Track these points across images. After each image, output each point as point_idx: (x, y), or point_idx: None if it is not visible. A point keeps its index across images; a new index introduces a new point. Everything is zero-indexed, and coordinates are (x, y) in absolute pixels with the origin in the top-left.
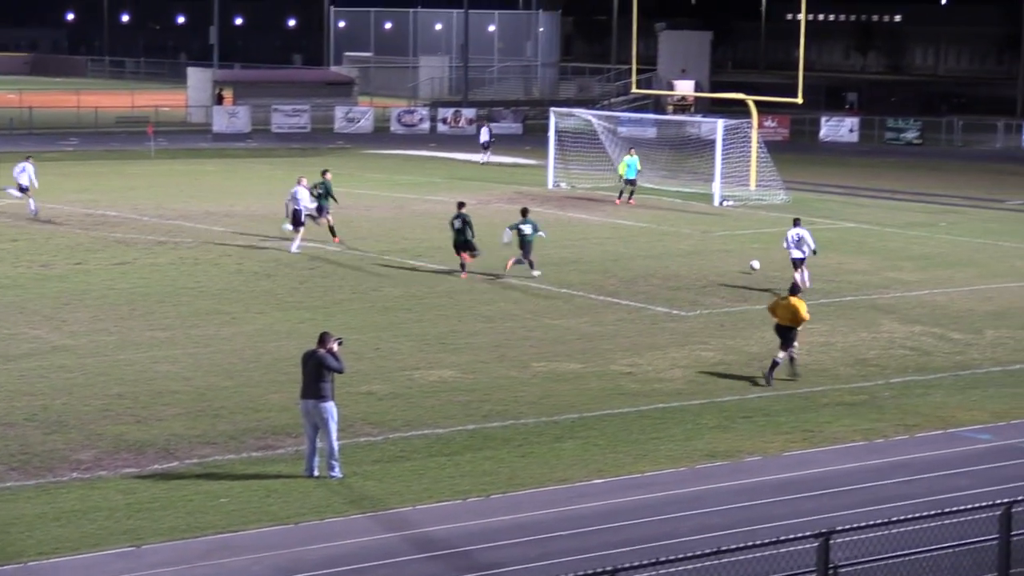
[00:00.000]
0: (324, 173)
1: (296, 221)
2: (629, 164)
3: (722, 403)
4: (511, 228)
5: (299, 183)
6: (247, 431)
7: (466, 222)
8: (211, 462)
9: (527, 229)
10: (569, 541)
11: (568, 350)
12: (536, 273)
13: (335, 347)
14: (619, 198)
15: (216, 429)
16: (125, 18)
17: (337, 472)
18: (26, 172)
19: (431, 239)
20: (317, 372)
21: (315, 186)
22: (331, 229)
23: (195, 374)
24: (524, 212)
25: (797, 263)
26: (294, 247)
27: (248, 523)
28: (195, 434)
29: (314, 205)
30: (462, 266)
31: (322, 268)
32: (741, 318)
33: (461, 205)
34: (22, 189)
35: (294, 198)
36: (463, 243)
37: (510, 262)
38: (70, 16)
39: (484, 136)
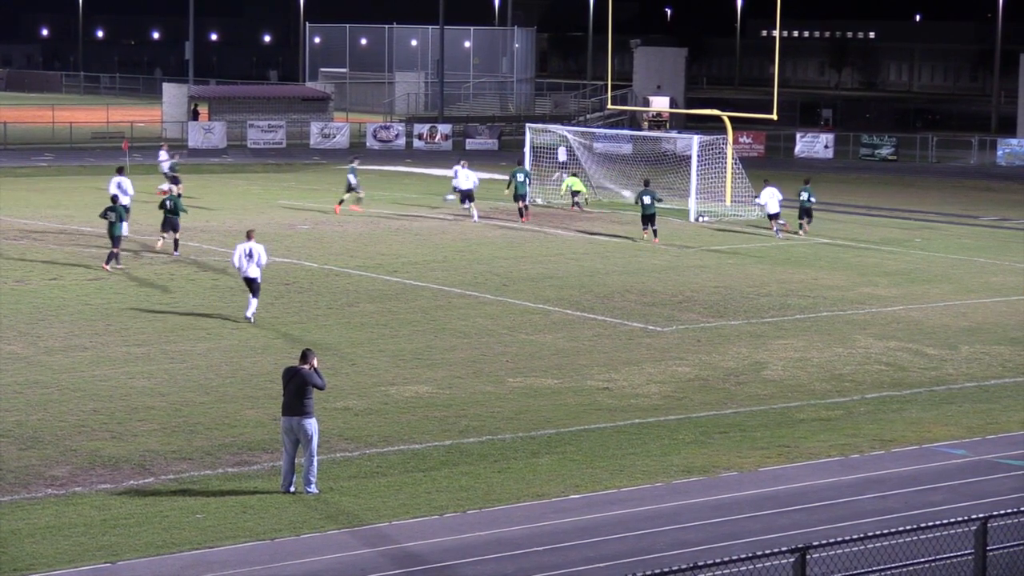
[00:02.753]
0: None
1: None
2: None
3: (698, 419)
4: (635, 197)
5: (461, 165)
6: (223, 447)
7: (654, 198)
8: (187, 478)
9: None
10: (545, 556)
11: (544, 365)
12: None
13: (316, 363)
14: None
15: (192, 445)
16: (100, 34)
17: (314, 488)
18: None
19: (407, 255)
20: (302, 389)
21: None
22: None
23: (171, 390)
24: (647, 183)
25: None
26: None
27: (224, 539)
28: (171, 450)
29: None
30: (654, 232)
31: (298, 284)
32: (717, 333)
33: (647, 183)
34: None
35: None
36: (651, 216)
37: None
38: (44, 31)
39: (562, 156)
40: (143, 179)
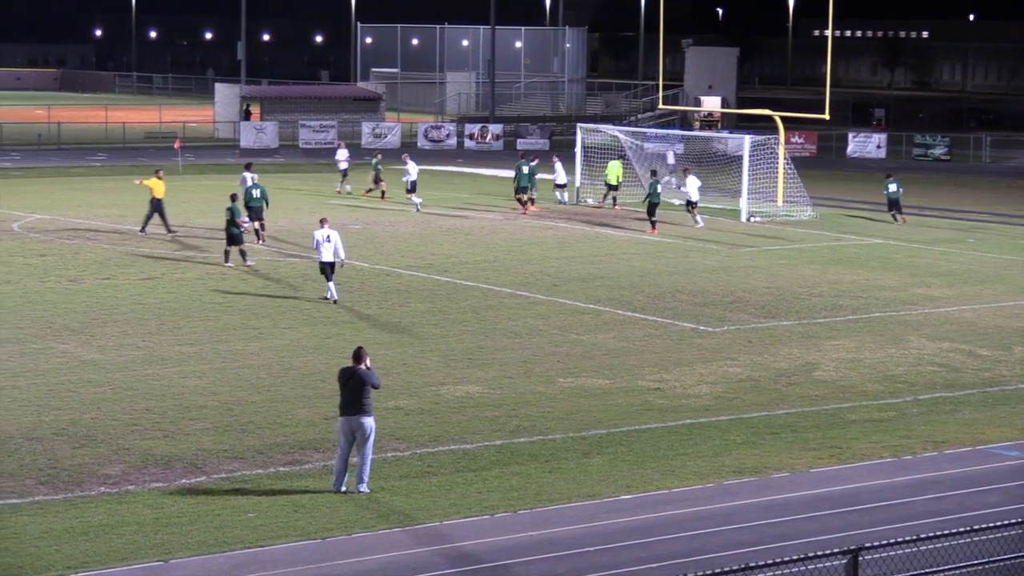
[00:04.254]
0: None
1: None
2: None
3: (750, 419)
4: (650, 187)
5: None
6: (275, 446)
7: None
8: (239, 477)
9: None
10: (597, 557)
11: (595, 366)
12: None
13: (368, 362)
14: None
15: (244, 444)
16: (153, 34)
17: (365, 488)
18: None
19: (457, 255)
20: (361, 389)
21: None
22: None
23: (223, 389)
24: (653, 172)
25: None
26: None
27: (276, 538)
28: (223, 449)
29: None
30: (652, 224)
31: (349, 284)
32: (769, 334)
33: (654, 173)
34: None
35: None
36: (655, 206)
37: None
38: (98, 32)
39: (671, 159)
40: (195, 179)
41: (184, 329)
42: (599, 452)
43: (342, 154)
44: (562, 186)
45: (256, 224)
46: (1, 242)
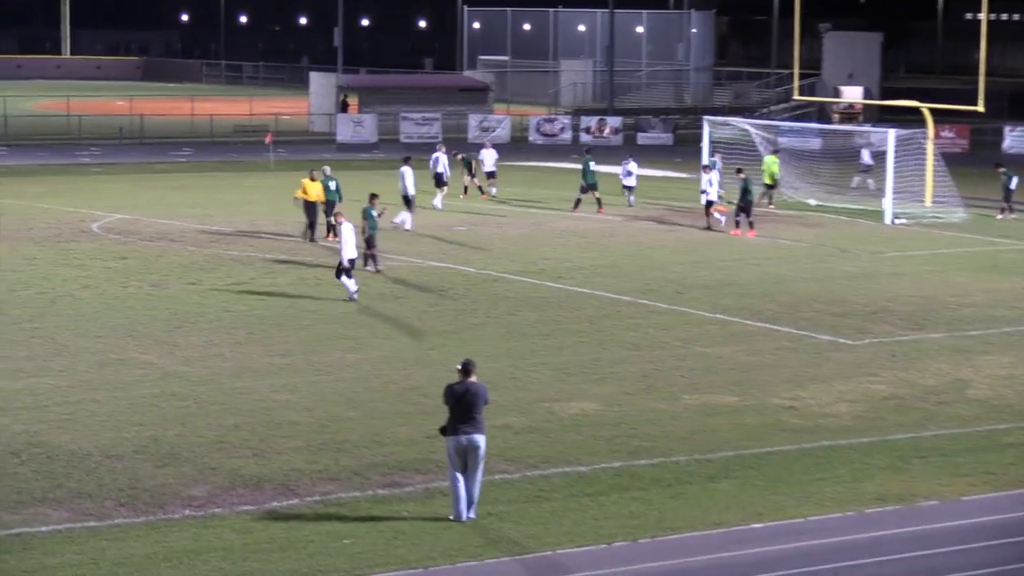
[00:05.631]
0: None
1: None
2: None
3: (894, 441)
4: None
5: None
6: (372, 466)
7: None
8: (334, 500)
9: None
10: None
11: (723, 381)
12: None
13: None
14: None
15: (339, 464)
16: (243, 19)
17: (472, 513)
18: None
19: (572, 259)
20: (476, 405)
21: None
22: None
23: (316, 404)
24: (739, 170)
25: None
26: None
27: (374, 567)
28: (316, 469)
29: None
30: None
31: (454, 290)
32: (915, 347)
33: (740, 171)
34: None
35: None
36: (750, 205)
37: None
38: (184, 17)
39: (867, 158)
40: (288, 176)
41: (275, 339)
42: (727, 476)
43: (440, 157)
44: (630, 188)
45: (331, 219)
46: (80, 244)
